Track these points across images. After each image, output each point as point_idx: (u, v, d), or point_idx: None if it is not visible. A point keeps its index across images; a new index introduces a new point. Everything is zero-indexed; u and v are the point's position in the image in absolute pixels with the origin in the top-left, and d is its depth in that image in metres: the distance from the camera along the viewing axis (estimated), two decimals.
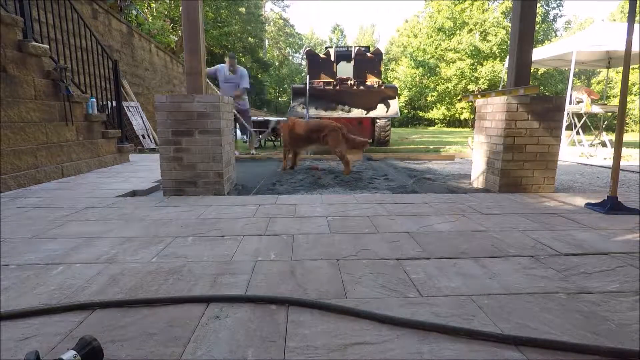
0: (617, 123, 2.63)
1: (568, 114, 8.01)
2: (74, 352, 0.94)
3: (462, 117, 26.92)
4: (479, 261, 1.71)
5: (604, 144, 8.33)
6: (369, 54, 8.84)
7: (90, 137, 4.63)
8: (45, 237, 2.04)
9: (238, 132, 7.69)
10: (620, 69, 9.07)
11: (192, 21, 3.16)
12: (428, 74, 26.42)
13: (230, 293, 1.40)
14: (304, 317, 1.24)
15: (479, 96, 3.70)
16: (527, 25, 3.30)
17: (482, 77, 24.44)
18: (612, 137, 7.90)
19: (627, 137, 14.11)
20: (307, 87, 8.12)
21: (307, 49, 9.91)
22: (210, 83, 6.31)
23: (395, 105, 8.43)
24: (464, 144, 8.79)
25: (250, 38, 28.20)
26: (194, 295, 1.37)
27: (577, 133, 8.33)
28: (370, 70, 8.43)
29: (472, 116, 24.58)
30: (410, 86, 27.98)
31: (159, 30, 11.91)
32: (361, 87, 8.33)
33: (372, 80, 8.48)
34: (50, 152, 3.88)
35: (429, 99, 27.51)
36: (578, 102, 8.08)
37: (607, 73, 10.59)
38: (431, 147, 8.58)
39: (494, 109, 3.36)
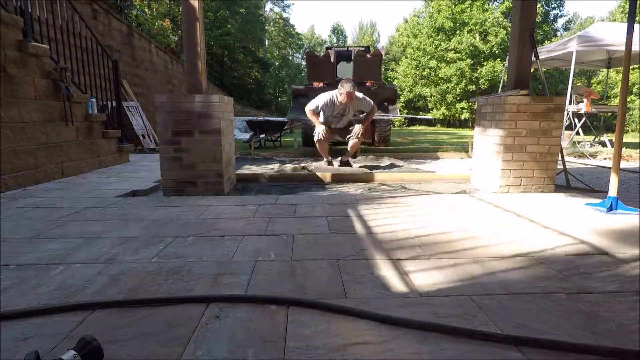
0: (617, 123, 2.63)
1: (568, 114, 8.01)
2: (74, 352, 0.94)
3: (462, 117, 26.93)
4: (478, 261, 1.71)
5: (603, 144, 8.33)
6: (369, 55, 8.83)
7: (90, 137, 4.63)
8: (45, 237, 2.04)
9: (237, 131, 7.67)
10: (620, 69, 9.07)
11: (192, 21, 3.16)
12: (428, 75, 26.40)
13: (230, 293, 1.40)
14: (304, 317, 1.24)
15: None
16: (527, 25, 3.30)
17: (482, 77, 24.43)
18: (612, 137, 7.90)
19: (627, 137, 14.11)
20: (306, 88, 8.09)
21: (307, 50, 9.91)
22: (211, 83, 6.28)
23: (395, 105, 8.42)
24: (464, 145, 8.79)
25: (249, 37, 28.17)
26: (194, 295, 1.37)
27: (577, 133, 8.33)
28: (370, 71, 8.41)
29: (472, 116, 24.56)
30: (411, 88, 28.01)
31: (159, 30, 11.91)
32: (361, 88, 8.32)
33: (372, 81, 8.46)
34: (50, 152, 3.88)
35: (429, 100, 27.53)
36: (578, 102, 8.08)
37: (607, 73, 10.59)
38: (430, 146, 8.58)
39: (494, 109, 3.36)
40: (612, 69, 9.71)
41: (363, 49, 9.62)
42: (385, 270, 1.60)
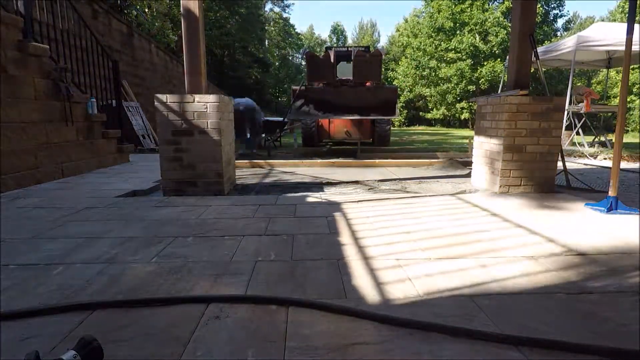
0: (617, 123, 2.63)
1: (568, 113, 8.01)
2: (73, 352, 0.94)
3: (462, 117, 26.91)
4: (478, 261, 1.71)
5: (603, 144, 8.33)
6: (368, 55, 8.82)
7: (91, 137, 4.63)
8: (45, 237, 2.04)
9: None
10: (621, 68, 9.06)
11: (192, 21, 3.16)
12: (428, 75, 26.39)
13: (230, 293, 1.40)
14: (304, 317, 1.24)
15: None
16: (527, 26, 3.30)
17: (483, 77, 24.41)
18: (612, 137, 7.90)
19: (627, 137, 14.10)
20: (304, 89, 8.07)
21: (307, 50, 9.91)
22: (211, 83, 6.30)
23: (394, 105, 8.42)
24: (464, 145, 8.79)
25: (249, 37, 28.14)
26: (194, 295, 1.37)
27: (577, 133, 8.32)
28: (370, 71, 8.41)
29: (472, 116, 24.56)
30: (411, 88, 28.00)
31: (159, 30, 11.91)
32: (361, 88, 8.31)
33: (372, 81, 8.45)
34: (50, 152, 3.87)
35: (429, 100, 27.54)
36: (578, 102, 8.08)
37: (607, 73, 10.58)
38: (429, 146, 8.58)
39: (494, 109, 3.36)
40: (612, 69, 9.71)
41: (363, 49, 9.62)
42: (385, 270, 1.60)
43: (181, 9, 3.20)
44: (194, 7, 3.14)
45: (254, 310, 1.28)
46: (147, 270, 1.60)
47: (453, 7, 25.33)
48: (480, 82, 24.76)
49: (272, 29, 35.41)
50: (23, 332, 1.15)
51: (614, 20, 26.60)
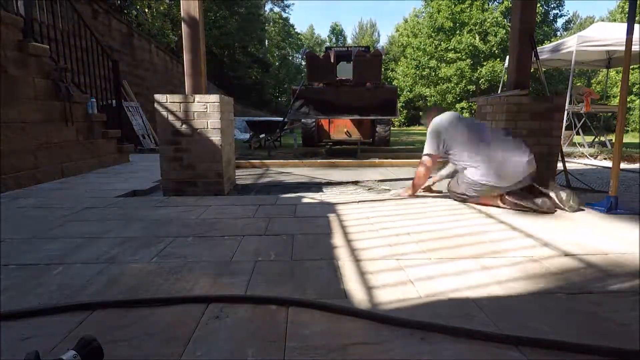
0: (617, 123, 2.63)
1: (568, 114, 8.01)
2: (74, 352, 0.93)
3: None
4: (478, 261, 1.70)
5: (603, 144, 8.33)
6: (369, 55, 8.82)
7: (91, 137, 4.63)
8: (45, 237, 2.04)
9: (237, 131, 7.65)
10: (620, 68, 9.06)
11: (192, 21, 3.16)
12: (428, 75, 26.40)
13: (230, 293, 1.40)
14: (304, 317, 1.24)
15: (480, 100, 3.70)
16: (527, 26, 3.30)
17: (482, 77, 24.42)
18: (612, 137, 7.89)
19: (627, 137, 14.10)
20: (304, 89, 8.06)
21: (307, 50, 9.91)
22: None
23: (394, 105, 8.41)
24: None
25: (249, 37, 28.14)
26: (194, 295, 1.37)
27: (577, 133, 8.32)
28: (370, 71, 8.40)
29: (472, 116, 24.54)
30: (411, 88, 28.02)
31: (159, 30, 11.92)
32: (361, 88, 8.31)
33: (372, 81, 8.44)
34: (50, 152, 3.87)
35: (429, 100, 27.56)
36: (578, 102, 8.08)
37: (607, 73, 10.58)
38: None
39: (494, 109, 3.36)
40: (612, 69, 9.71)
41: (363, 49, 9.62)
42: (385, 270, 1.60)
43: (181, 10, 3.20)
44: (194, 7, 3.14)
45: (254, 310, 1.28)
46: (147, 270, 1.60)
47: (453, 7, 25.33)
48: (480, 82, 24.77)
49: (272, 29, 35.37)
50: (23, 332, 1.15)
51: (614, 20, 26.60)
